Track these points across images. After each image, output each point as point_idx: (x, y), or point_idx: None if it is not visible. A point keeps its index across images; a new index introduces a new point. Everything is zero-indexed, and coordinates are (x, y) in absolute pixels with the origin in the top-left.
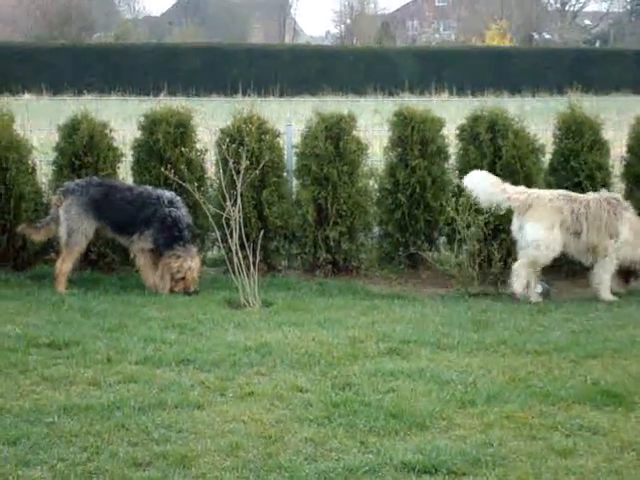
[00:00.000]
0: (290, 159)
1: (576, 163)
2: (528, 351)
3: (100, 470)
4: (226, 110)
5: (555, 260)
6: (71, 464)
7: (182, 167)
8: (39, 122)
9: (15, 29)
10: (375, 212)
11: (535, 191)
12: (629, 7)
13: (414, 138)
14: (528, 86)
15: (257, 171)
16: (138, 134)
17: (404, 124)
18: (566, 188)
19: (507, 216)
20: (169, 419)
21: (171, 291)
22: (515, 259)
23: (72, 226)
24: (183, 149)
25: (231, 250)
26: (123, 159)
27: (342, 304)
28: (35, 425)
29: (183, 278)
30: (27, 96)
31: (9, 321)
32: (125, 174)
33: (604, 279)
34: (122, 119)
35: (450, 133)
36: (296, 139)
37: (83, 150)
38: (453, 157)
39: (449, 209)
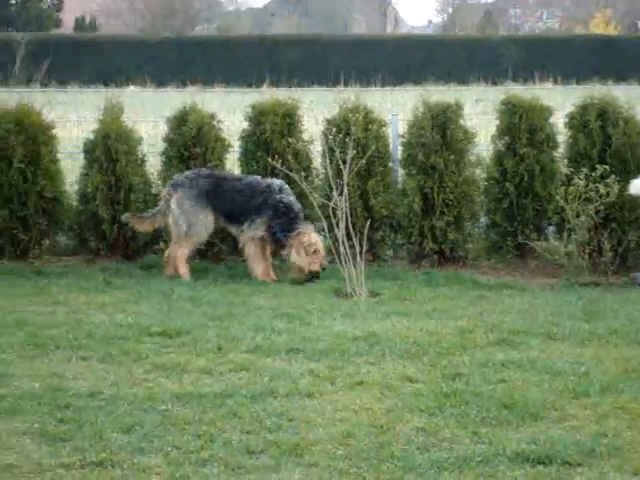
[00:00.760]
0: (396, 148)
1: None
2: None
3: (214, 457)
4: (329, 101)
5: None
6: (185, 452)
7: (289, 157)
8: (144, 114)
9: (119, 22)
10: (482, 201)
11: None
12: None
13: (522, 126)
14: (634, 74)
15: (363, 161)
16: (245, 125)
17: (512, 112)
18: None
19: (618, 205)
20: (280, 407)
21: (310, 272)
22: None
23: (191, 219)
24: (290, 139)
25: (337, 240)
26: (230, 149)
27: (449, 294)
28: (149, 413)
29: (315, 252)
30: (132, 88)
31: (120, 310)
32: (232, 165)
33: None
34: (226, 110)
35: (557, 121)
36: (402, 128)
37: (192, 141)
38: (562, 146)
39: (558, 198)
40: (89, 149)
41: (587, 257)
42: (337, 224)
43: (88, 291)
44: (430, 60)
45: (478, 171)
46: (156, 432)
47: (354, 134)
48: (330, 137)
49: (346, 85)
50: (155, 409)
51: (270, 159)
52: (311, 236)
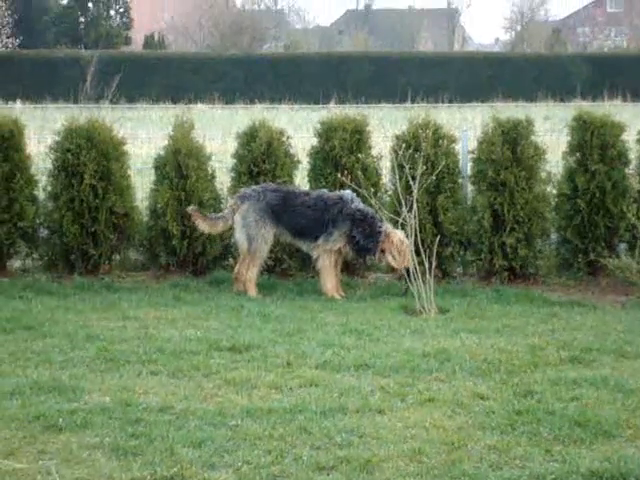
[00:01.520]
0: (465, 165)
1: None
2: None
3: (285, 473)
4: (397, 118)
5: None
6: (255, 467)
7: (358, 173)
8: (212, 131)
9: (188, 40)
10: (553, 218)
11: None
12: None
13: (594, 143)
14: None
15: (433, 177)
16: (313, 141)
17: (583, 129)
18: None
19: None
20: (351, 424)
21: (392, 270)
22: None
23: (251, 233)
24: (359, 155)
25: None
26: (299, 165)
27: (520, 311)
28: (219, 428)
29: (400, 252)
30: (200, 105)
31: (190, 325)
32: (300, 181)
33: None
34: (293, 128)
35: (629, 138)
36: (471, 145)
37: (261, 157)
38: (634, 162)
39: (630, 215)
40: (159, 165)
41: None
42: None
43: (158, 306)
44: (497, 77)
45: (549, 188)
46: (226, 447)
47: (423, 150)
48: (400, 153)
49: (413, 102)
50: (225, 424)
51: (339, 175)
52: (397, 234)
